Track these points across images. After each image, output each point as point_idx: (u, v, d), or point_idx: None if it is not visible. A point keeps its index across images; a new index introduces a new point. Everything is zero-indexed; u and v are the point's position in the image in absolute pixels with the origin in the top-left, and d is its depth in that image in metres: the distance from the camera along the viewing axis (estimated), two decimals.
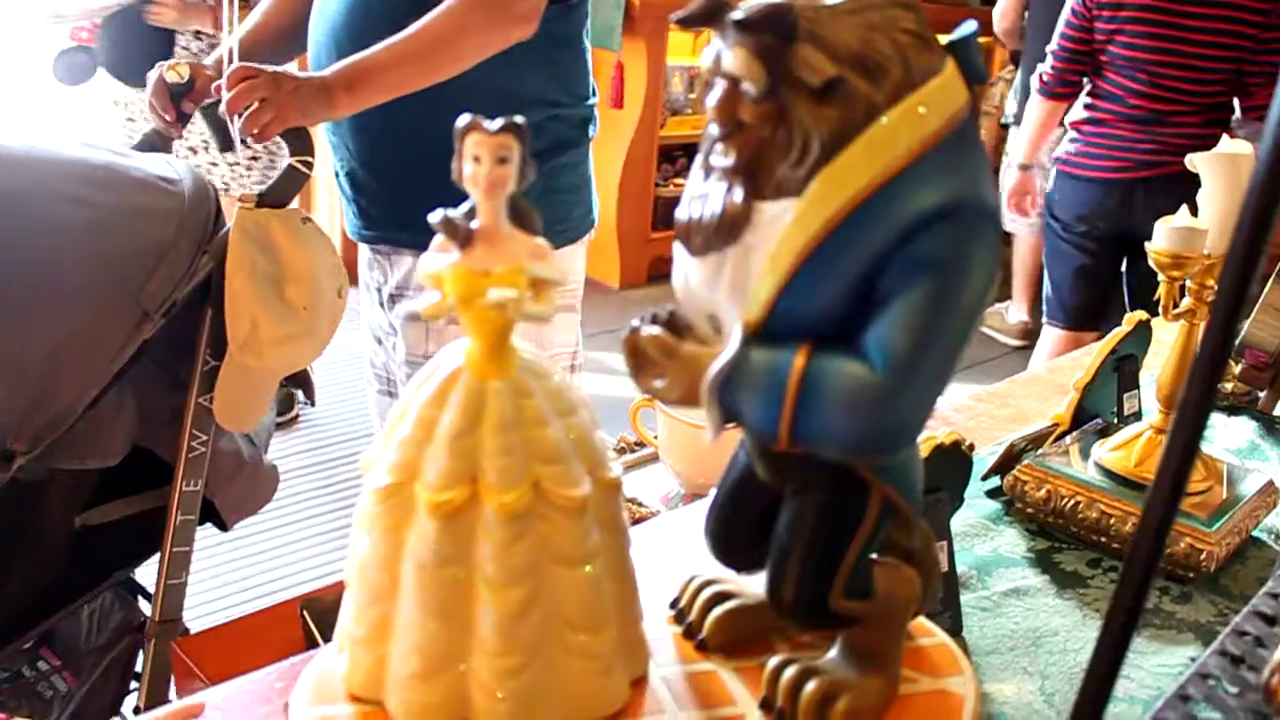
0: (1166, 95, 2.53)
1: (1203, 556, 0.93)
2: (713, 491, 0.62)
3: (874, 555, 0.57)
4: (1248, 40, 3.03)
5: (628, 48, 4.04)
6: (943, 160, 0.48)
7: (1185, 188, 1.00)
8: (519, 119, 0.52)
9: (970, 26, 0.51)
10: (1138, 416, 1.18)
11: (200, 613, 2.03)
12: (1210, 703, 0.56)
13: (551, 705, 0.55)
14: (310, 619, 0.95)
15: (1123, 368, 1.17)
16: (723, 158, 0.51)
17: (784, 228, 0.48)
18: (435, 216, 0.53)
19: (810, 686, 0.56)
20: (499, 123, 0.51)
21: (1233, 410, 1.32)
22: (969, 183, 0.48)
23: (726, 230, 0.49)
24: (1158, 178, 2.52)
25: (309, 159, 1.29)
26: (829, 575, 0.55)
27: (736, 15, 0.48)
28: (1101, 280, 2.74)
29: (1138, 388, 1.20)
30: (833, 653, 0.60)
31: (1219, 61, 3.06)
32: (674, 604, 0.66)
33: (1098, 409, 1.15)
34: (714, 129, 0.51)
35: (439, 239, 0.54)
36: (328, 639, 0.88)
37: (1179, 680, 0.48)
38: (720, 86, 0.50)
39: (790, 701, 0.57)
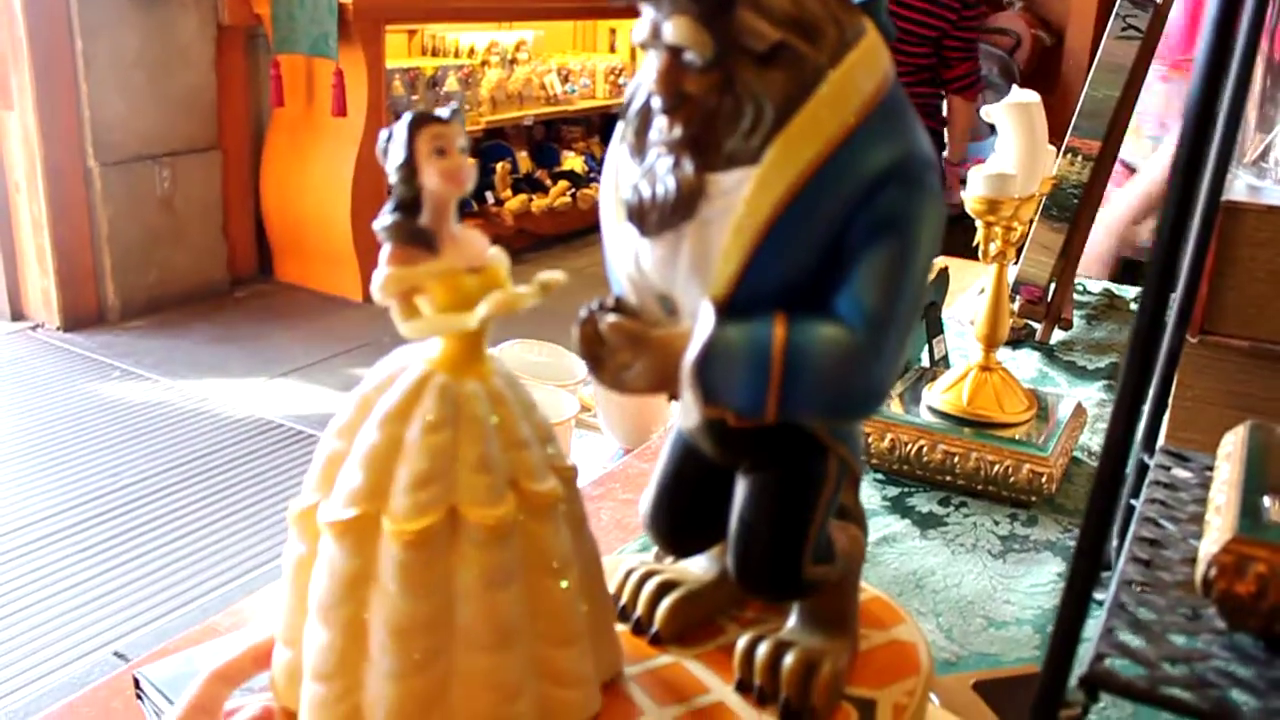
0: None
1: (1044, 479, 1.00)
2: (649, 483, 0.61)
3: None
4: (950, 13, 3.41)
5: (345, 55, 3.90)
6: (886, 117, 0.48)
7: None
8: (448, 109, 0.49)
9: None
10: (946, 358, 1.26)
11: None
12: (1145, 606, 0.59)
13: None
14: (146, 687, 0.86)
15: (929, 315, 1.24)
16: (666, 132, 0.49)
17: (742, 199, 0.47)
18: (383, 222, 0.49)
19: (789, 660, 0.56)
20: (446, 110, 0.48)
21: (1015, 344, 1.42)
22: (912, 138, 0.49)
23: (684, 205, 0.48)
24: None
25: None
26: (799, 546, 0.54)
27: None
28: None
29: (943, 331, 1.27)
30: (792, 622, 0.60)
31: (923, 28, 3.39)
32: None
33: (910, 357, 1.21)
34: (654, 103, 0.49)
35: (390, 249, 0.49)
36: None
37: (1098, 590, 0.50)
38: (659, 59, 0.48)
39: (769, 678, 0.56)
